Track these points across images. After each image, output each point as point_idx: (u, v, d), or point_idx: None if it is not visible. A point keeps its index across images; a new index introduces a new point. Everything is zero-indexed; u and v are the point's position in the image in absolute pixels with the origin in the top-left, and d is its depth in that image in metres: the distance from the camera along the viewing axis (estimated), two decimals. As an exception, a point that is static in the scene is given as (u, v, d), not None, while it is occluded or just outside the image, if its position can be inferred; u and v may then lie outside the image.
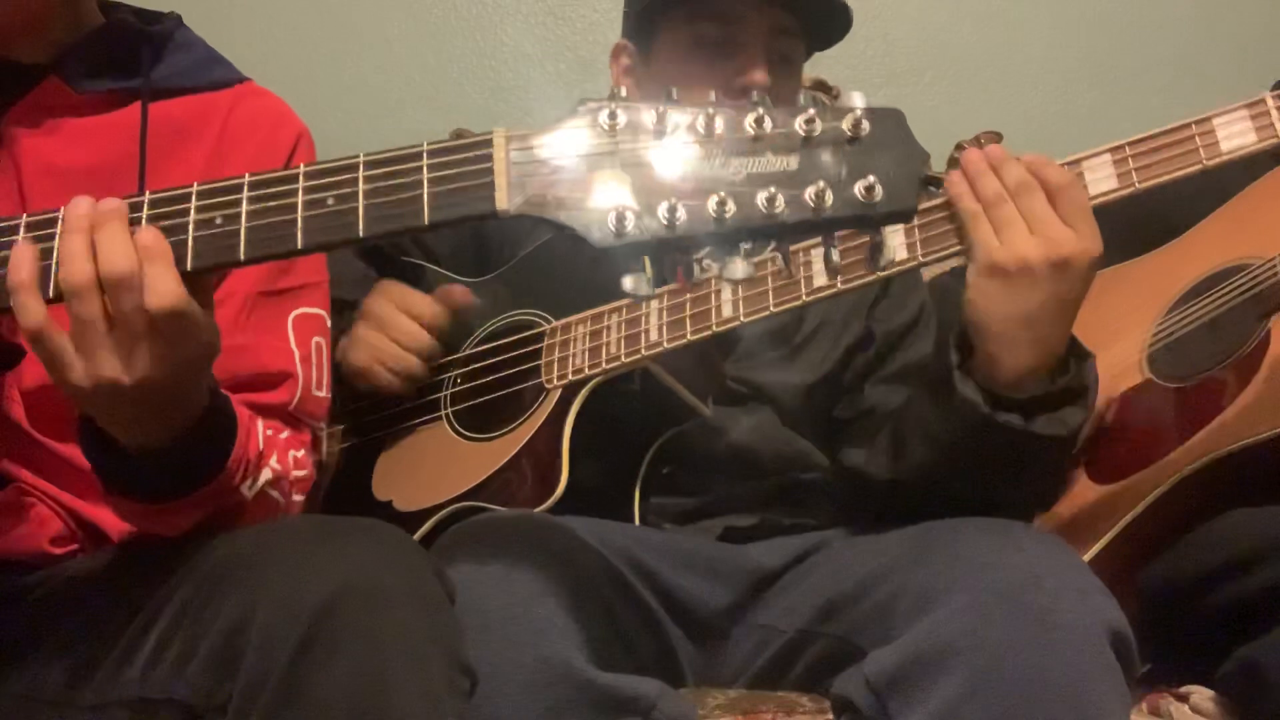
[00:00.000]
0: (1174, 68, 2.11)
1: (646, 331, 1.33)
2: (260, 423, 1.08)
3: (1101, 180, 1.19)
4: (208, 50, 1.23)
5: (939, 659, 1.01)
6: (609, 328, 1.36)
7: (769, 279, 1.28)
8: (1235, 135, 1.17)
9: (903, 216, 0.74)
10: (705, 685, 1.27)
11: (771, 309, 1.28)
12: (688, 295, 1.33)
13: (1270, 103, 1.17)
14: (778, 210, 0.74)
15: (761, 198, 0.75)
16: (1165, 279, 1.49)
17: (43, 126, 1.12)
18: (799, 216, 0.74)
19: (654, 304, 1.34)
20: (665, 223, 0.76)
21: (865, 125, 0.75)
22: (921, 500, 1.25)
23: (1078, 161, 1.21)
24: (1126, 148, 1.20)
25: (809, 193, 0.74)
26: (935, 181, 1.18)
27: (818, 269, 1.25)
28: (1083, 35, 2.13)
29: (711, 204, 0.76)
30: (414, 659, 0.86)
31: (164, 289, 0.85)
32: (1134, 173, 1.19)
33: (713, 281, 1.31)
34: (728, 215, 0.75)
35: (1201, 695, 1.21)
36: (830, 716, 1.11)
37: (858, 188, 0.74)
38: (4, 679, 1.00)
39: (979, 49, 2.12)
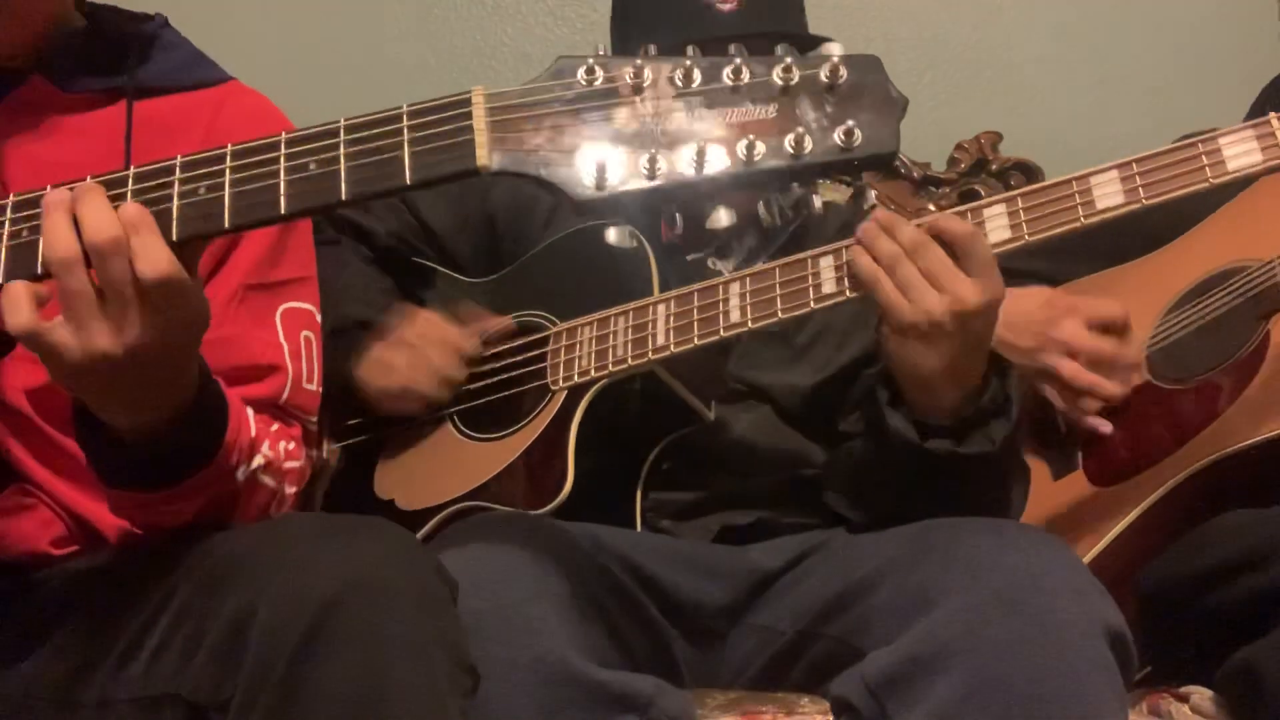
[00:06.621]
0: (1174, 67, 2.10)
1: (654, 335, 1.33)
2: (250, 411, 1.08)
3: (1109, 196, 1.21)
4: (193, 51, 1.24)
5: (937, 660, 1.01)
6: (616, 331, 1.36)
7: (777, 286, 1.28)
8: (1241, 155, 1.19)
9: (883, 160, 0.75)
10: (704, 687, 1.26)
11: (780, 315, 1.27)
12: (695, 300, 1.33)
13: (1276, 124, 1.18)
14: (757, 157, 0.75)
15: (741, 146, 0.76)
16: (1163, 281, 1.50)
17: (28, 125, 1.12)
18: (778, 163, 0.75)
19: (661, 308, 1.34)
20: (646, 173, 0.76)
21: (843, 73, 0.76)
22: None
23: (1086, 177, 1.22)
24: (1134, 164, 1.22)
25: (788, 140, 0.75)
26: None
27: (826, 276, 1.25)
28: (1083, 35, 2.12)
29: (691, 154, 0.76)
30: (417, 657, 0.86)
31: (155, 256, 0.85)
32: (1140, 189, 1.21)
33: (720, 289, 1.32)
34: (708, 164, 0.75)
35: (1201, 695, 1.21)
36: (830, 718, 1.11)
37: (837, 133, 0.75)
38: (6, 679, 1.00)
39: (979, 49, 2.11)
